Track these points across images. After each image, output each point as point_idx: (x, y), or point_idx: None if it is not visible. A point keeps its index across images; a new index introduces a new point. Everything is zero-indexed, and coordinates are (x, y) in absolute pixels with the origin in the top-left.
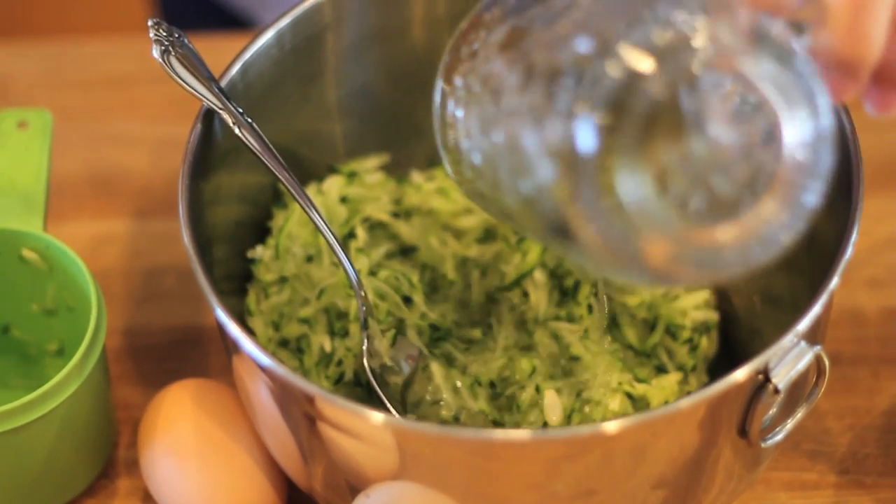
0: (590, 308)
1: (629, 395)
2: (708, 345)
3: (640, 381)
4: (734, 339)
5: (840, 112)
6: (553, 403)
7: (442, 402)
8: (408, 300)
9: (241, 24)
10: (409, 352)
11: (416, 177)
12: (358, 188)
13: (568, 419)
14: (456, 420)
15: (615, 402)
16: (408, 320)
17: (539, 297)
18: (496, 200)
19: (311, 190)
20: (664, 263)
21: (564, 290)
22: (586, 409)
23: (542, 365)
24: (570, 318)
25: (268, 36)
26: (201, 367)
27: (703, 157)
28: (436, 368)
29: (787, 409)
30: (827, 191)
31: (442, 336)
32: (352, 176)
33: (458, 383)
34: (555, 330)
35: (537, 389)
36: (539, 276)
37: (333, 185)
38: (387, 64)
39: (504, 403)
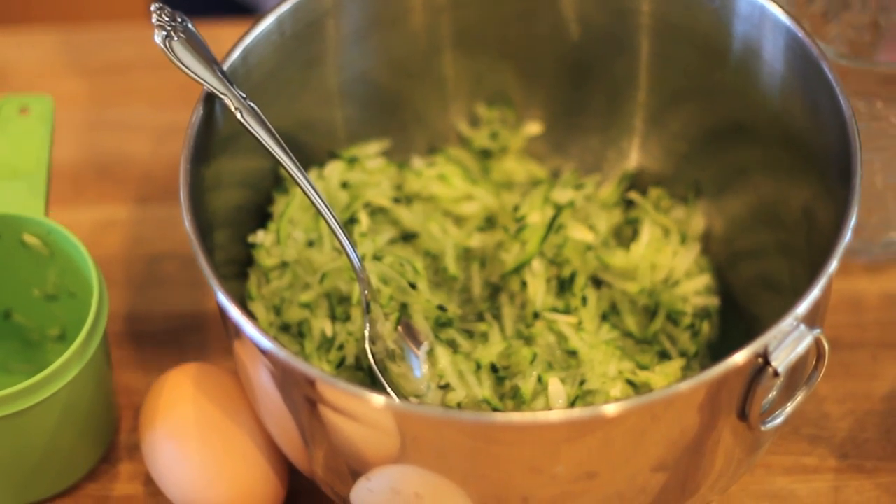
0: (584, 300)
1: (631, 383)
2: (710, 330)
3: (642, 368)
4: (735, 325)
5: (840, 97)
6: (557, 391)
7: (448, 388)
8: (412, 286)
9: (244, 10)
10: (414, 336)
11: (417, 162)
12: (359, 173)
13: (571, 406)
14: (459, 407)
15: (616, 390)
16: (414, 304)
17: (537, 287)
18: None
19: (311, 175)
20: None
21: (562, 281)
22: (588, 398)
23: (543, 354)
24: (567, 310)
25: (268, 21)
26: (202, 353)
27: None
28: (441, 353)
29: (787, 393)
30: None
31: (447, 322)
32: (353, 161)
33: (463, 368)
34: (551, 323)
35: (539, 380)
36: (537, 265)
37: (334, 170)
38: (387, 50)
39: (508, 392)
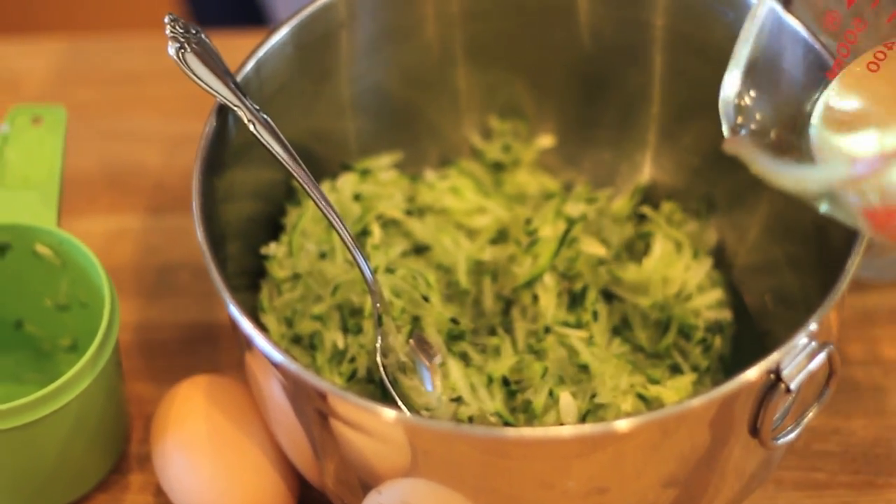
0: (595, 314)
1: (642, 397)
2: (722, 344)
3: (653, 382)
4: (747, 339)
5: None
6: (568, 405)
7: (460, 401)
8: (425, 300)
9: (261, 16)
10: (426, 349)
11: (430, 175)
12: (371, 186)
13: (582, 420)
14: (470, 421)
15: (627, 404)
16: (426, 317)
17: (548, 301)
18: None
19: (324, 187)
20: None
21: (573, 295)
22: (599, 412)
23: (554, 368)
24: (578, 324)
25: (282, 33)
26: (214, 363)
27: None
28: (453, 366)
29: (799, 409)
30: None
31: (459, 335)
32: (365, 173)
33: (475, 381)
34: (563, 337)
35: (551, 394)
36: (549, 279)
37: (347, 182)
38: (400, 62)
39: (519, 406)
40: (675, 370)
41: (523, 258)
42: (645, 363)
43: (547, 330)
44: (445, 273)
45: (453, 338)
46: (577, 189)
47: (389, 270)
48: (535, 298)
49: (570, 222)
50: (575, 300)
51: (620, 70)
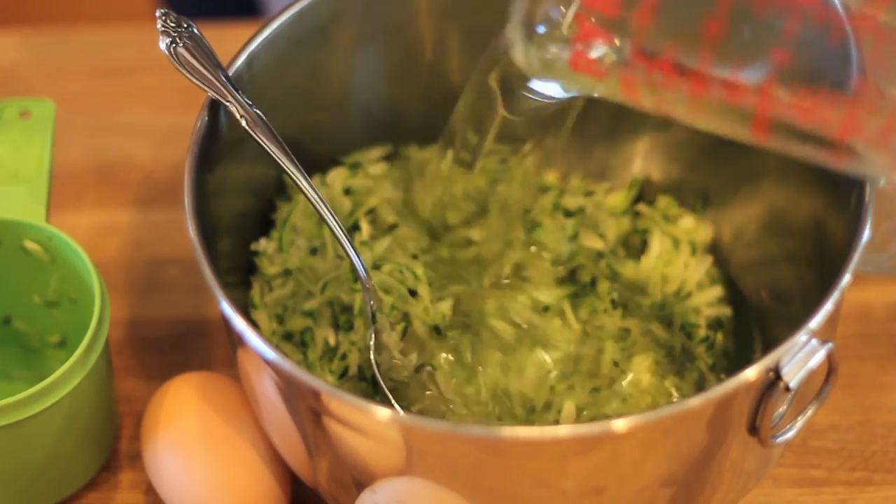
0: (613, 302)
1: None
2: (724, 340)
3: (672, 376)
4: (744, 335)
5: None
6: (570, 416)
7: (450, 401)
8: (413, 293)
9: (250, 7)
10: (418, 346)
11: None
12: (362, 179)
13: (580, 413)
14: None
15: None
16: (413, 313)
17: (549, 291)
18: None
19: (314, 182)
20: None
21: (583, 286)
22: (599, 405)
23: (552, 364)
24: (588, 319)
25: (274, 27)
26: (205, 360)
27: None
28: (444, 362)
29: (798, 407)
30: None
31: (449, 327)
32: (355, 167)
33: (468, 376)
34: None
35: (552, 390)
36: (547, 263)
37: (337, 176)
38: (392, 56)
39: (515, 402)
40: (686, 376)
41: (523, 245)
42: (664, 361)
43: (546, 309)
44: (432, 238)
45: (443, 332)
46: (574, 183)
47: (376, 267)
48: (533, 287)
49: (570, 214)
50: (584, 289)
51: None
